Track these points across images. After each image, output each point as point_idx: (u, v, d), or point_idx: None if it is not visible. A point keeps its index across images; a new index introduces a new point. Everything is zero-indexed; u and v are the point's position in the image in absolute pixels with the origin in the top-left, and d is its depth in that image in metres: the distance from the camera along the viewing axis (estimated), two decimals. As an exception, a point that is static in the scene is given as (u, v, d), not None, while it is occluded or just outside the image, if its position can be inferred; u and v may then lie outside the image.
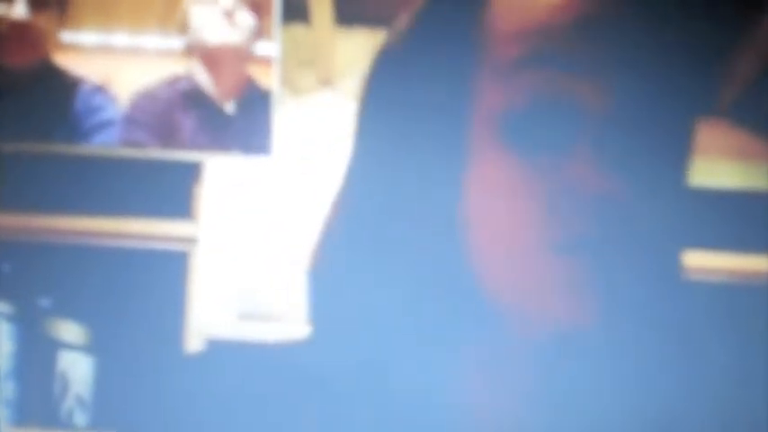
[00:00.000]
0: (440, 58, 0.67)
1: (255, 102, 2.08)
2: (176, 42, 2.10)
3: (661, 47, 0.64)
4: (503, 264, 0.65)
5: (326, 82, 2.15)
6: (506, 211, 0.64)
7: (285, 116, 2.09)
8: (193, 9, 2.09)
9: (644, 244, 0.64)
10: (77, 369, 2.12)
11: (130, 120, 2.08)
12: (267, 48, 2.10)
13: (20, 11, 2.06)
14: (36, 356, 2.11)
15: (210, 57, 2.10)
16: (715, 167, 2.05)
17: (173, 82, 2.09)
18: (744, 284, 2.00)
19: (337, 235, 0.70)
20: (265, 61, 2.10)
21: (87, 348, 2.13)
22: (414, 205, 0.66)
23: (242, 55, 2.10)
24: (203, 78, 2.10)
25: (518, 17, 0.65)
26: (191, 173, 2.08)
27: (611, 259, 0.63)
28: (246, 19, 2.10)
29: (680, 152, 0.67)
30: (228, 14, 2.09)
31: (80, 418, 2.12)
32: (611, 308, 0.63)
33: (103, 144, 2.08)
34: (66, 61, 2.10)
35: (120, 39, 2.10)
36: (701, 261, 1.97)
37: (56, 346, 2.12)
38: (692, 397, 0.67)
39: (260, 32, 2.10)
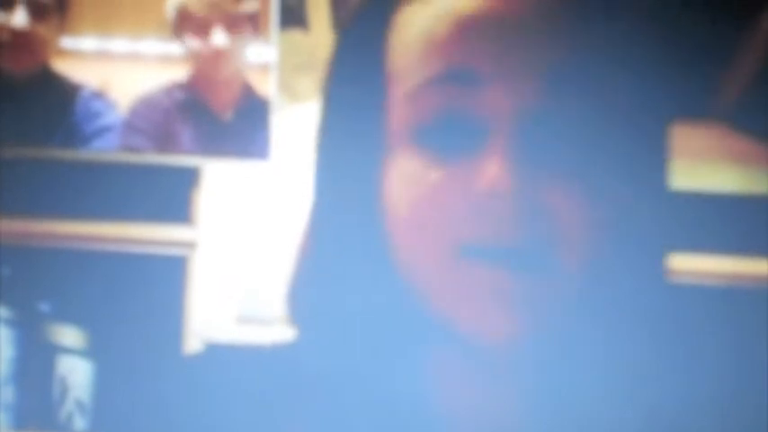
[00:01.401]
0: (357, 86, 0.75)
1: (253, 108, 2.09)
2: (175, 48, 2.11)
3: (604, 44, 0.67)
4: (422, 271, 0.66)
5: (324, 87, 2.15)
6: (421, 212, 0.66)
7: (283, 122, 2.10)
8: (178, 28, 2.09)
9: (597, 248, 0.64)
10: (77, 373, 2.13)
11: (129, 126, 2.09)
12: (264, 53, 2.10)
13: (20, 20, 2.06)
14: (35, 361, 2.12)
15: (202, 73, 2.10)
16: (714, 171, 2.05)
17: (170, 90, 2.10)
18: (744, 288, 2.00)
19: (313, 248, 0.74)
20: (263, 67, 2.10)
21: (87, 352, 2.13)
22: (358, 206, 0.70)
23: (234, 67, 2.10)
24: (200, 88, 2.10)
25: (415, 48, 0.69)
26: (189, 178, 2.09)
27: (540, 268, 0.63)
28: (234, 28, 2.09)
29: (636, 154, 0.68)
30: (212, 38, 2.08)
31: (79, 423, 2.12)
32: (536, 320, 0.63)
33: (103, 149, 2.09)
34: (66, 67, 2.11)
35: (120, 44, 2.11)
36: (701, 265, 1.97)
37: (55, 350, 2.12)
38: (688, 402, 0.67)
39: (254, 34, 2.10)
